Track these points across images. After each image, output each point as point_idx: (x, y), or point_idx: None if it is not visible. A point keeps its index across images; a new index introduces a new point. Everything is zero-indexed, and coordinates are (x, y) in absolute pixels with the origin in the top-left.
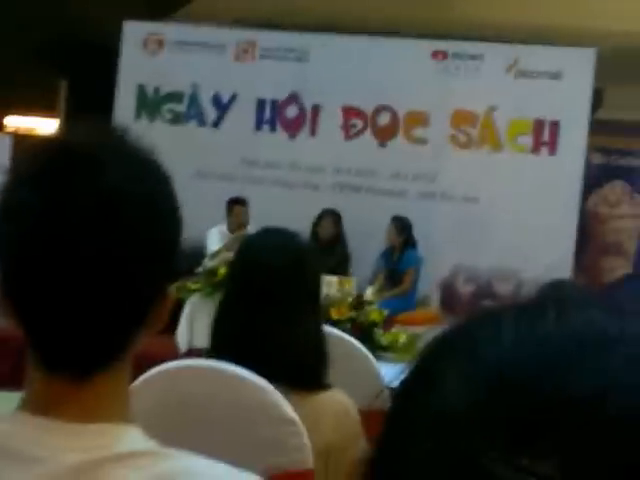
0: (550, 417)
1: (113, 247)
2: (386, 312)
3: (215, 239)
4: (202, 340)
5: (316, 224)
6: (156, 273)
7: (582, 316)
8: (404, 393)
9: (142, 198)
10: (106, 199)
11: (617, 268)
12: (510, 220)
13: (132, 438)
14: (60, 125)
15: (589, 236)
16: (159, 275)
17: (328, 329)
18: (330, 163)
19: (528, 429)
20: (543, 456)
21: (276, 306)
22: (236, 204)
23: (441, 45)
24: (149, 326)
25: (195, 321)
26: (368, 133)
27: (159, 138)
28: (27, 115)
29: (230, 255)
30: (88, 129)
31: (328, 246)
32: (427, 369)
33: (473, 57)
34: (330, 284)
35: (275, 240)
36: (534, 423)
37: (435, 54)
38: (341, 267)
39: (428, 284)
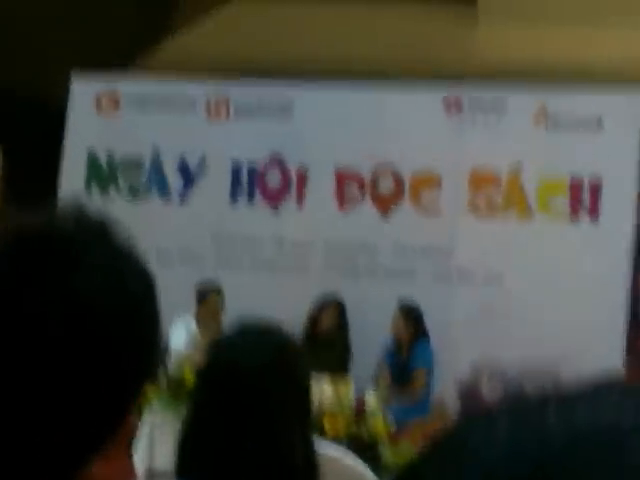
0: None
1: (75, 365)
2: (393, 422)
3: (181, 337)
4: (165, 463)
5: (315, 315)
6: (121, 395)
7: (589, 408)
8: None
9: (121, 309)
10: (78, 311)
11: None
12: (544, 305)
13: None
14: None
15: None
16: (124, 398)
17: (321, 445)
18: (322, 239)
19: None
20: None
21: (254, 420)
22: (208, 293)
23: (454, 91)
24: (104, 456)
25: (157, 440)
26: (367, 201)
27: (114, 216)
28: None
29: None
30: (52, 212)
31: (327, 340)
32: (415, 478)
33: (493, 105)
34: (323, 388)
35: (252, 338)
36: None
37: (448, 103)
38: (341, 365)
39: (445, 386)
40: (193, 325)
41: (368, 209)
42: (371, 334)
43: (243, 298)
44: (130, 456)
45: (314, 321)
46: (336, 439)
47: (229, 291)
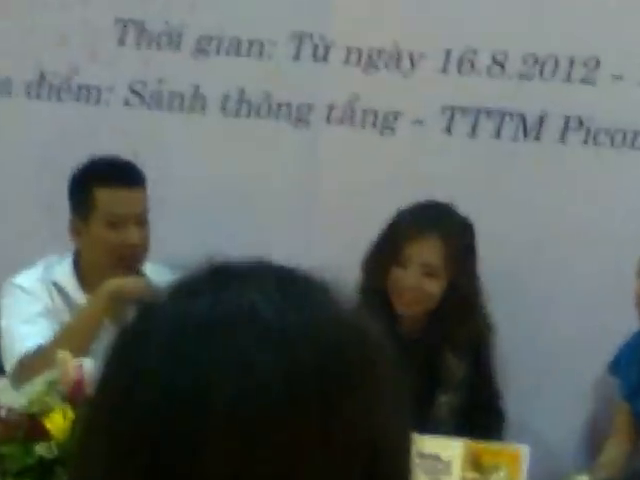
0: None
1: None
2: None
3: (32, 312)
4: None
5: (386, 254)
6: None
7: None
8: None
9: None
10: None
11: None
12: None
13: None
14: None
15: None
16: None
17: None
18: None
19: None
20: None
21: None
22: (107, 186)
23: None
24: None
25: None
26: None
27: None
28: None
29: (85, 366)
30: None
31: (425, 331)
32: None
33: None
34: (442, 464)
35: (241, 313)
36: None
37: None
38: (485, 403)
39: None
40: (67, 272)
41: None
42: (565, 315)
43: (211, 203)
44: None
45: (382, 273)
46: None
47: (168, 184)
